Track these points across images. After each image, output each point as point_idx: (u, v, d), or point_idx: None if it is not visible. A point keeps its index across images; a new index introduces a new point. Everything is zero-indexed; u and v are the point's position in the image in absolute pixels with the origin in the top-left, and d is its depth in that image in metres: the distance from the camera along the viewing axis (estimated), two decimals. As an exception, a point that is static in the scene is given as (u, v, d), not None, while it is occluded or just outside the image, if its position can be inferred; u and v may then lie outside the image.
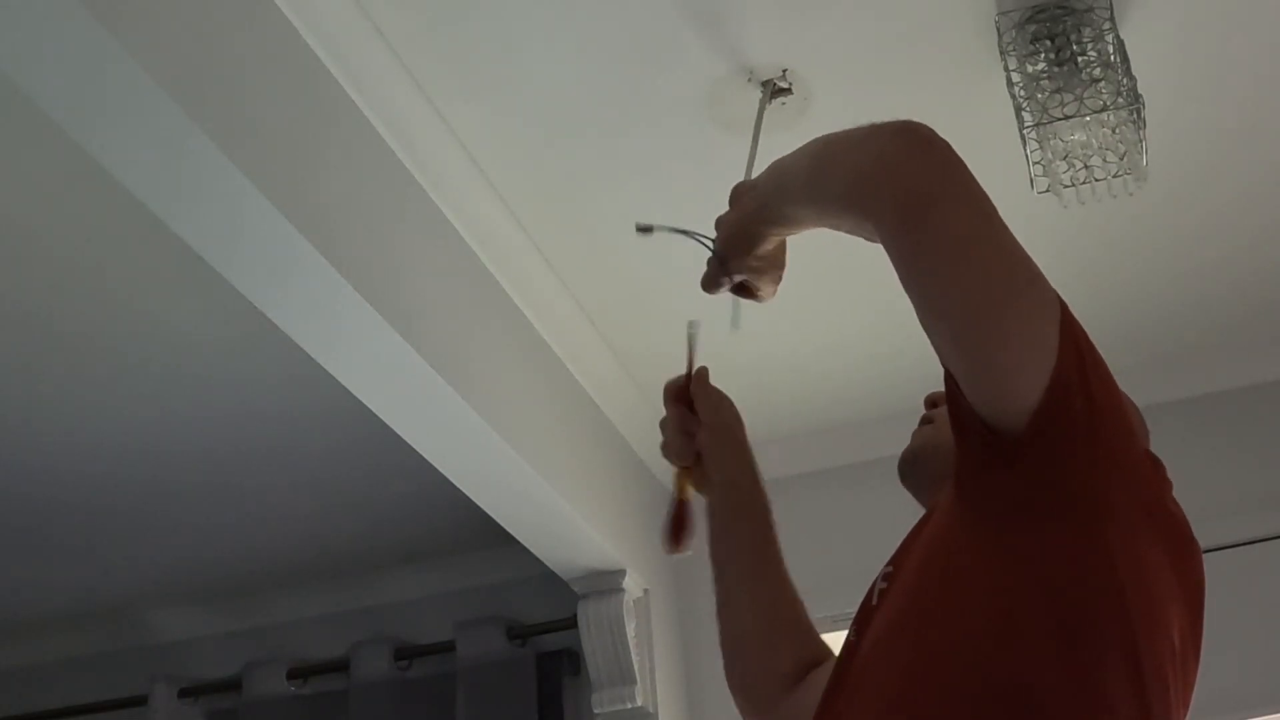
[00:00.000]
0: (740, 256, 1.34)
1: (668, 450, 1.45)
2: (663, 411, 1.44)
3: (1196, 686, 1.13)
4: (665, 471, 3.01)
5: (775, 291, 1.40)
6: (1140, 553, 1.06)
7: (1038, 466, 1.05)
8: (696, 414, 1.43)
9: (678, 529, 1.39)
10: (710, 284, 1.37)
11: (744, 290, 1.39)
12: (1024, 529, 1.06)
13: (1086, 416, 1.05)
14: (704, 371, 1.45)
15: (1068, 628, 1.02)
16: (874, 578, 1.30)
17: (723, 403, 1.45)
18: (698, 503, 1.42)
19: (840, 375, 2.80)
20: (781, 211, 1.27)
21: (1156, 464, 1.16)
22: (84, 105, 1.45)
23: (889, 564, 1.25)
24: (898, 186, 1.08)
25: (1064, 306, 1.08)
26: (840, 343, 2.67)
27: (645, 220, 1.47)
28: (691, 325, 1.43)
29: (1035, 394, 1.03)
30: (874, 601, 1.22)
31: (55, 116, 1.46)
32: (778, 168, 1.29)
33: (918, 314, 1.09)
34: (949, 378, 1.10)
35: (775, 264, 1.37)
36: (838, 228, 1.19)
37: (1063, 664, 1.02)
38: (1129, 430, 1.11)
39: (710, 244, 1.36)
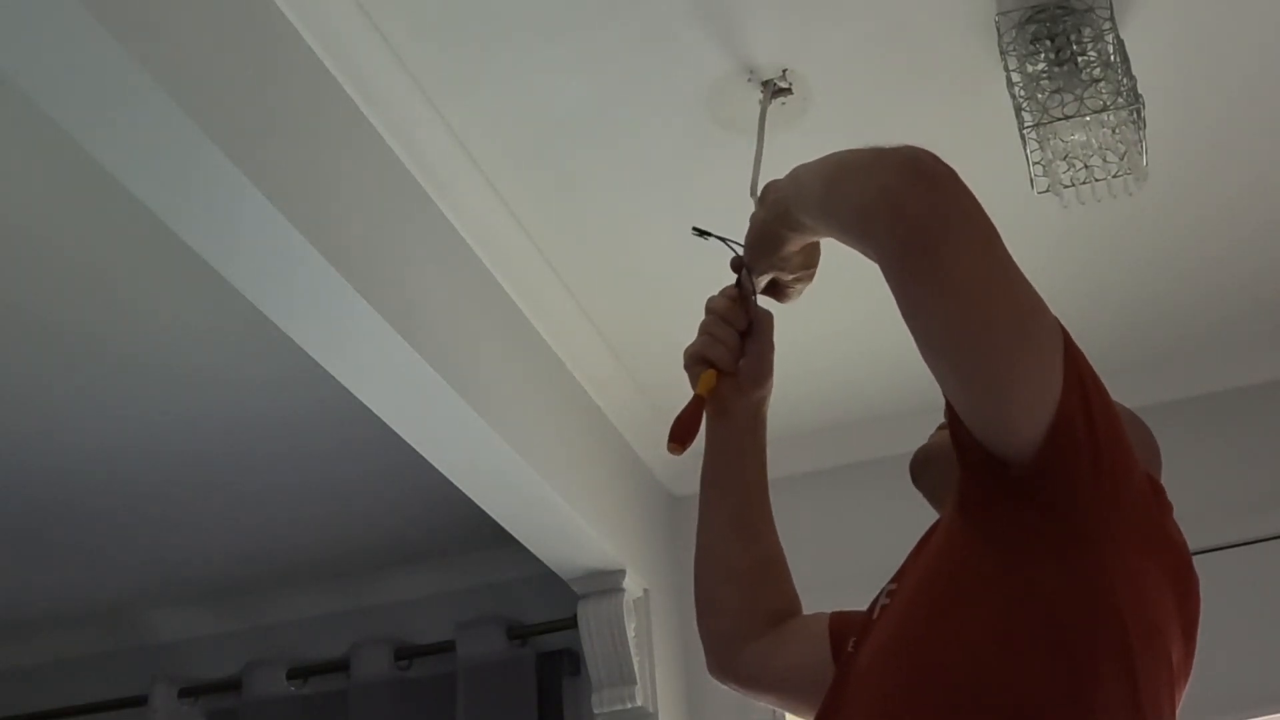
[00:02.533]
0: (764, 258, 1.35)
1: (714, 349, 1.37)
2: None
3: (1197, 686, 1.15)
4: (665, 472, 3.02)
5: (800, 292, 1.41)
6: (1140, 580, 1.07)
7: (1042, 497, 1.05)
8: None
9: (693, 427, 1.33)
10: (748, 286, 1.38)
11: (773, 290, 1.40)
12: (1027, 555, 1.06)
13: (1090, 448, 1.05)
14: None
15: (1067, 651, 1.03)
16: (872, 578, 1.30)
17: None
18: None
19: (839, 374, 2.80)
20: (798, 219, 1.28)
21: (1157, 489, 1.16)
22: (87, 108, 1.45)
23: (892, 581, 1.25)
24: (899, 226, 1.06)
25: (1065, 335, 1.08)
26: (839, 341, 2.67)
27: (702, 227, 1.46)
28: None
29: (1040, 429, 1.03)
30: (874, 615, 1.22)
31: (58, 119, 1.46)
32: (796, 176, 1.28)
33: (919, 348, 1.08)
34: (950, 406, 1.10)
35: (805, 265, 1.38)
36: (849, 245, 1.19)
37: (1061, 686, 1.02)
38: (1130, 458, 1.11)
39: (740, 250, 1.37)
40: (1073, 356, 1.06)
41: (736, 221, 1.41)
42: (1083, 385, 1.06)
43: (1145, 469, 1.15)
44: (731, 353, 1.38)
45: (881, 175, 1.09)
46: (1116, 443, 1.08)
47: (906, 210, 1.05)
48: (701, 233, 1.44)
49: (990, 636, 1.05)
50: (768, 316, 1.41)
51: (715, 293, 1.42)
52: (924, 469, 1.34)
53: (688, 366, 1.40)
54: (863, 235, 1.12)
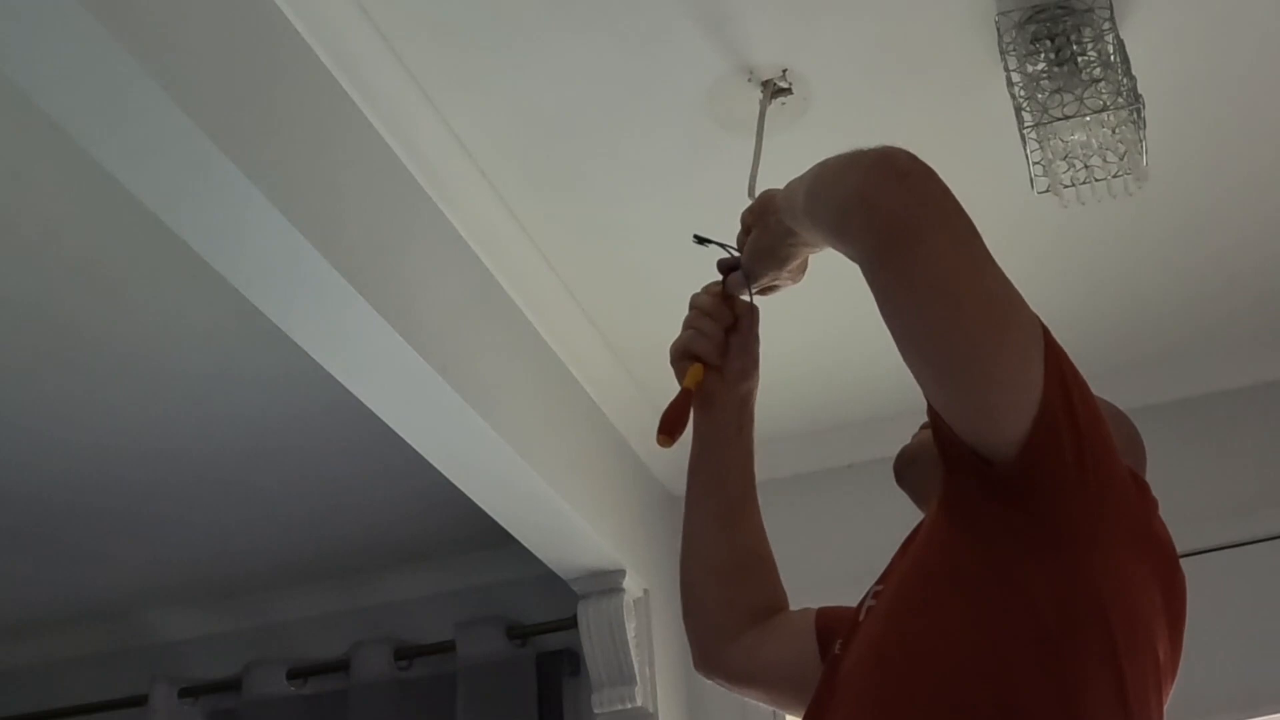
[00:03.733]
0: (769, 270, 1.36)
1: (700, 342, 1.38)
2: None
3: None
4: (665, 472, 3.02)
5: (784, 288, 1.41)
6: (1125, 577, 1.07)
7: (1025, 496, 1.05)
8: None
9: (681, 420, 1.33)
10: (737, 290, 1.38)
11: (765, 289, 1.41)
12: (1011, 555, 1.06)
13: (1073, 445, 1.05)
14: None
15: (1052, 651, 1.03)
16: (862, 580, 1.30)
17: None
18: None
19: (830, 377, 2.80)
20: (799, 235, 1.28)
21: (1141, 485, 1.16)
22: (87, 109, 1.45)
23: (878, 581, 1.25)
24: (873, 224, 1.06)
25: (1045, 332, 1.07)
26: (837, 341, 2.67)
27: (703, 234, 1.46)
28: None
29: (1022, 428, 1.03)
30: (860, 616, 1.22)
31: (60, 121, 1.46)
32: (788, 187, 1.28)
33: (898, 348, 1.07)
34: (932, 405, 1.10)
35: (800, 267, 1.38)
36: (836, 249, 1.19)
37: (1046, 685, 1.02)
38: (1113, 455, 1.10)
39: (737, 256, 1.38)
40: (1053, 354, 1.06)
41: (737, 223, 1.41)
42: (1064, 382, 1.05)
43: (1129, 466, 1.14)
44: (716, 347, 1.39)
45: (856, 175, 1.09)
46: (1100, 440, 1.08)
47: (880, 209, 1.05)
48: (702, 240, 1.44)
49: (975, 636, 1.05)
50: (753, 310, 1.41)
51: (701, 289, 1.43)
52: (908, 468, 1.34)
53: (674, 362, 1.40)
54: (841, 236, 1.12)
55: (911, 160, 1.08)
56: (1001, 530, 1.07)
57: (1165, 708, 1.11)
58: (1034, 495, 1.05)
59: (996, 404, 1.04)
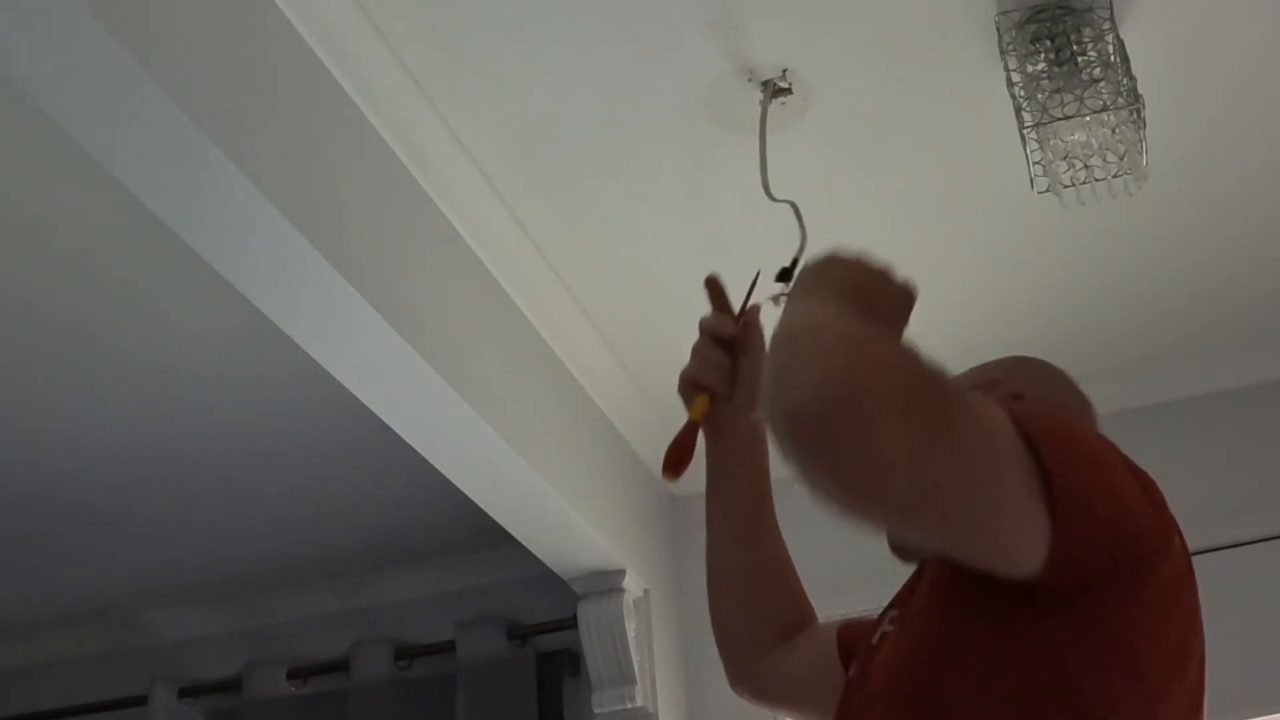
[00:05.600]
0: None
1: (707, 373, 1.34)
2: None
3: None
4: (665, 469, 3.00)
5: None
6: (1160, 632, 1.02)
7: (1050, 601, 0.99)
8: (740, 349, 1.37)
9: (687, 454, 1.30)
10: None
11: None
12: (1034, 615, 1.00)
13: (1098, 547, 0.98)
14: (758, 308, 1.39)
15: (1084, 704, 0.99)
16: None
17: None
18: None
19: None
20: None
21: (1159, 504, 1.07)
22: (92, 113, 1.45)
23: (893, 606, 1.21)
24: (813, 465, 0.93)
25: (1036, 436, 0.94)
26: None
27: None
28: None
29: (1039, 556, 0.95)
30: (875, 640, 1.18)
31: (66, 127, 1.46)
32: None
33: None
34: None
35: None
36: None
37: None
38: (1144, 532, 1.02)
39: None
40: (1054, 462, 0.94)
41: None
42: (1075, 499, 0.95)
43: (1147, 503, 1.04)
44: (724, 376, 1.36)
45: (803, 382, 0.90)
46: (1130, 523, 1.01)
47: (828, 452, 0.92)
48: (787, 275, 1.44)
49: (1003, 687, 1.01)
50: (762, 336, 1.38)
51: (703, 297, 1.41)
52: (908, 541, 1.21)
53: (681, 390, 1.37)
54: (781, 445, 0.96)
55: (861, 368, 0.88)
56: (1024, 598, 0.99)
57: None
58: (1060, 597, 0.99)
59: (1007, 551, 0.96)
